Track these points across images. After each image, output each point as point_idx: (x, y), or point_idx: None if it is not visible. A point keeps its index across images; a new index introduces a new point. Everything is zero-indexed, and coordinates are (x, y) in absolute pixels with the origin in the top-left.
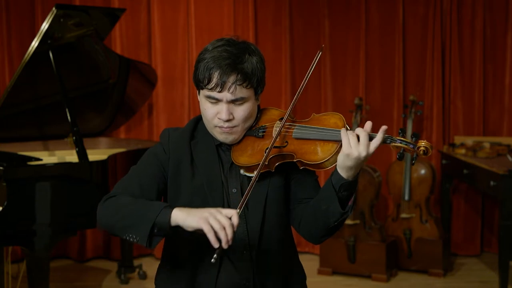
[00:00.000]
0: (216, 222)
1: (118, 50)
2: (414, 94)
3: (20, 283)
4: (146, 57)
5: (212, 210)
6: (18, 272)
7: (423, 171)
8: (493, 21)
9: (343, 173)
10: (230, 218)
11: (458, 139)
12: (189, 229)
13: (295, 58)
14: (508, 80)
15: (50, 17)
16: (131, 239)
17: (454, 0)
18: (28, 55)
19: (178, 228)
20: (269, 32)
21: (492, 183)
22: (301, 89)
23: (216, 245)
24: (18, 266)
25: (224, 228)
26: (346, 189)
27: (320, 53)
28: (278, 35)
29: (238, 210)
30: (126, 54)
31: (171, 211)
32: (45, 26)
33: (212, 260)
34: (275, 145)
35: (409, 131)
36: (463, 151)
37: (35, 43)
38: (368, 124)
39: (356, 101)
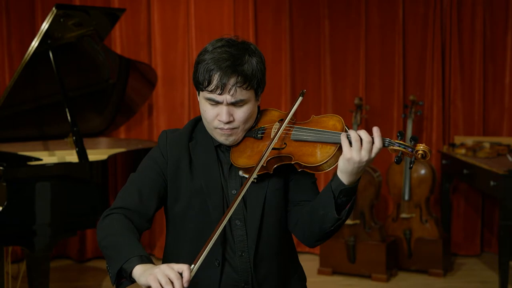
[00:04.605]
0: (163, 277)
1: (118, 50)
2: (414, 94)
3: (20, 283)
4: (146, 57)
5: (163, 266)
6: (18, 272)
7: (423, 171)
8: (493, 21)
9: (343, 178)
10: (181, 274)
11: (458, 139)
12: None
13: (295, 58)
14: (508, 80)
15: (50, 17)
16: (108, 272)
17: (454, 0)
18: (28, 55)
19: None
20: (269, 32)
21: (492, 183)
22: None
23: None
24: (18, 266)
25: (172, 283)
26: (346, 195)
27: (301, 98)
28: (278, 35)
29: (193, 266)
30: (126, 54)
31: (136, 265)
32: (45, 26)
33: None
34: (273, 147)
35: (409, 131)
36: (463, 151)
37: (35, 43)
38: (377, 131)
39: (356, 101)
